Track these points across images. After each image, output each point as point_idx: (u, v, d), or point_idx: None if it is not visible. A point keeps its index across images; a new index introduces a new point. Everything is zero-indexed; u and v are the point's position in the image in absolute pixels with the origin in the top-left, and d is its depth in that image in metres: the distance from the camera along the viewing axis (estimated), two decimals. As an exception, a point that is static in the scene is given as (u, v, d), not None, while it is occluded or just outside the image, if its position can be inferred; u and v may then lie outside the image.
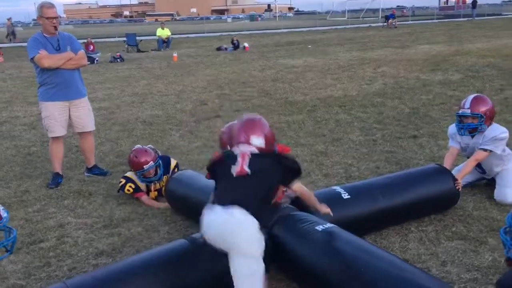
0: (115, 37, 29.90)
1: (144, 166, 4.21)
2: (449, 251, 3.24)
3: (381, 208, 3.43)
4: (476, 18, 40.44)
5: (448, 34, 23.74)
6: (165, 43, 22.03)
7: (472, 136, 3.99)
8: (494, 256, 3.15)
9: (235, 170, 2.65)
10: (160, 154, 4.96)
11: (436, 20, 38.53)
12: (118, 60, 16.84)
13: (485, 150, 3.91)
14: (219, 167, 2.80)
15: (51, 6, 4.65)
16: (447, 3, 68.22)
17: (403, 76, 10.84)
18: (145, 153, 4.28)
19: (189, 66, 14.73)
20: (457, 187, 3.77)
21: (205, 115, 7.78)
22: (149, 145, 5.64)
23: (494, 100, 4.06)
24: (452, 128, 4.19)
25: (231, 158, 2.71)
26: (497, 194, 4.02)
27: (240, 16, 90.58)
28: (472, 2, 43.39)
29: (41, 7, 4.61)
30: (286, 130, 6.63)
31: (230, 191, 2.63)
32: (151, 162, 4.23)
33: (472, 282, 2.89)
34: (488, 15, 45.45)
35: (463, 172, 3.98)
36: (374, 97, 8.60)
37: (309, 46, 20.08)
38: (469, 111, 3.90)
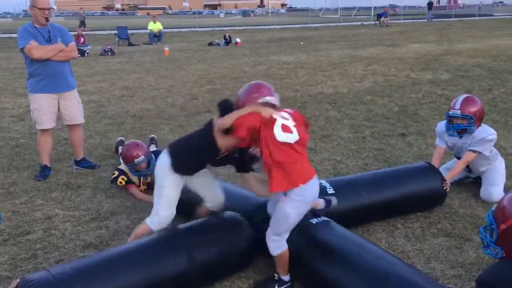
0: (106, 30, 29.68)
1: (135, 160, 4.24)
2: (434, 248, 3.28)
3: (365, 204, 3.47)
4: (434, 20, 39.33)
5: (438, 33, 23.88)
6: (156, 37, 21.90)
7: (461, 137, 4.02)
8: (478, 253, 3.20)
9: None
10: (157, 148, 4.98)
11: (433, 20, 38.72)
12: (109, 53, 16.72)
13: (474, 151, 3.95)
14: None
15: None
16: (438, 3, 68.59)
17: (394, 75, 10.91)
18: (136, 147, 4.32)
19: (180, 61, 14.68)
20: (444, 187, 3.81)
21: (196, 110, 7.76)
22: (152, 135, 5.68)
23: (483, 99, 4.10)
24: (441, 126, 4.21)
25: None
26: (483, 192, 4.07)
27: (233, 11, 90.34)
28: (428, 3, 42.29)
29: None
30: (276, 126, 6.63)
31: None
32: (142, 156, 4.26)
33: (456, 278, 2.94)
34: (480, 15, 45.79)
35: (452, 173, 4.02)
36: (364, 95, 8.65)
37: (301, 43, 20.10)
38: (459, 112, 3.91)
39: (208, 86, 9.98)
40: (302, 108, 7.74)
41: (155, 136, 5.63)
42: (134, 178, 4.35)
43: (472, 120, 3.90)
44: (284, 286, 2.78)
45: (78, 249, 3.38)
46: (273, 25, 36.84)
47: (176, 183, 2.90)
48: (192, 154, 2.86)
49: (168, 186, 2.88)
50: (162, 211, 2.91)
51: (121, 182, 4.34)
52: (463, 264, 3.09)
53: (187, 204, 3.19)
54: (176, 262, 2.72)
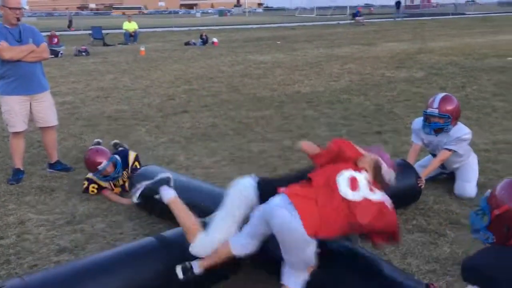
0: (81, 30, 29.21)
1: (98, 167, 4.16)
2: (410, 244, 3.33)
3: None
4: (403, 19, 38.93)
5: (412, 32, 24.23)
6: (132, 36, 21.66)
7: (437, 134, 4.06)
8: (452, 248, 3.26)
9: None
10: (126, 148, 4.91)
11: (401, 19, 39.21)
12: (83, 53, 16.46)
13: (449, 150, 4.01)
14: None
15: None
16: (412, 2, 69.62)
17: (369, 73, 11.03)
18: (96, 153, 4.24)
19: (156, 61, 14.55)
20: (419, 184, 3.86)
21: (173, 110, 7.71)
22: (115, 140, 5.59)
23: (456, 97, 4.16)
24: (417, 123, 4.24)
25: None
26: (457, 188, 4.15)
27: (209, 11, 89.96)
28: (396, 2, 41.85)
29: None
30: (254, 126, 6.65)
31: None
32: (105, 161, 4.18)
33: (431, 273, 2.98)
34: (453, 14, 46.64)
35: (427, 171, 4.08)
36: (341, 94, 8.72)
37: (278, 42, 20.15)
38: (437, 111, 3.94)
39: (185, 86, 9.92)
40: (279, 107, 7.76)
41: (118, 142, 5.52)
42: (105, 184, 4.27)
43: (449, 119, 3.94)
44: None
45: (53, 254, 3.31)
46: (250, 24, 36.84)
47: None
48: None
49: None
50: None
51: (93, 191, 4.28)
52: (438, 259, 3.14)
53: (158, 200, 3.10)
54: (158, 270, 2.64)
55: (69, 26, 32.36)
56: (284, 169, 4.89)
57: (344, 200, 2.33)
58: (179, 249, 2.70)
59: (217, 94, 9.03)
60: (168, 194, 2.95)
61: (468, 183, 4.11)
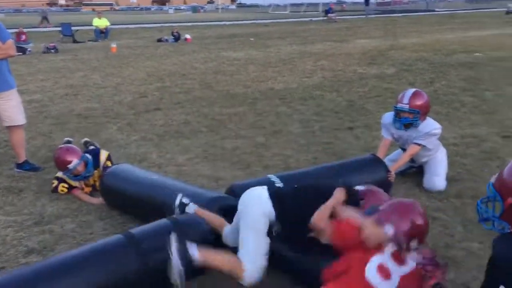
0: (50, 27, 28.56)
1: (69, 166, 4.08)
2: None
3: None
4: (375, 16, 38.70)
5: (384, 29, 24.56)
6: (103, 33, 21.30)
7: (407, 129, 4.12)
8: (422, 241, 3.32)
9: None
10: (97, 147, 4.83)
11: (373, 16, 39.70)
12: (52, 50, 16.10)
13: (418, 144, 4.08)
14: None
15: None
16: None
17: (342, 70, 11.13)
18: (67, 152, 4.16)
19: (128, 58, 14.35)
20: (389, 178, 3.92)
21: (145, 108, 7.62)
22: (85, 139, 5.49)
23: (425, 92, 4.24)
24: (387, 118, 4.30)
25: None
26: (426, 182, 4.23)
27: (182, 7, 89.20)
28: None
29: None
30: (227, 123, 6.63)
31: None
32: (75, 160, 4.10)
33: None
34: (425, 11, 47.46)
35: (397, 165, 4.14)
36: (314, 90, 8.77)
37: (251, 39, 20.14)
38: (407, 106, 4.01)
39: (157, 84, 9.81)
40: (252, 104, 7.76)
41: (89, 140, 5.42)
42: (75, 183, 4.19)
43: (418, 114, 4.02)
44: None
45: (21, 255, 3.23)
46: (223, 21, 36.71)
47: None
48: None
49: None
50: None
51: (62, 190, 4.19)
52: (408, 251, 3.19)
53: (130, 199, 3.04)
54: (127, 268, 2.60)
55: (42, 22, 31.85)
56: (258, 165, 4.90)
57: None
58: (147, 246, 2.67)
59: (190, 91, 8.96)
60: (195, 254, 2.55)
61: (437, 177, 4.19)
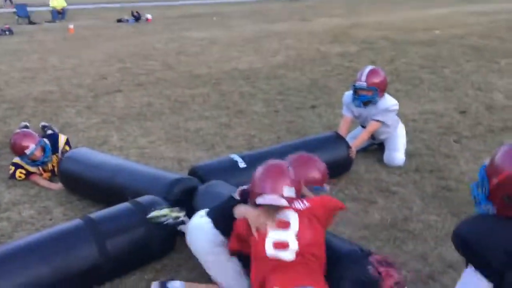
0: (3, 8, 27.34)
1: (26, 151, 3.97)
2: (342, 212, 3.42)
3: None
4: None
5: (346, 8, 24.67)
6: (60, 14, 20.54)
7: (366, 107, 4.19)
8: (382, 215, 3.41)
9: None
10: (54, 131, 4.71)
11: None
12: (7, 32, 15.42)
13: (377, 121, 4.15)
14: None
15: None
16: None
17: (305, 48, 11.14)
18: (23, 137, 4.05)
19: (87, 39, 13.91)
20: (350, 155, 3.99)
21: (105, 90, 7.43)
22: (42, 123, 5.33)
23: (385, 70, 4.31)
24: (347, 97, 4.37)
25: None
26: (386, 157, 4.32)
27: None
28: None
29: None
30: (191, 104, 6.55)
31: None
32: (33, 145, 3.99)
33: (362, 239, 3.10)
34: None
35: (357, 142, 4.22)
36: (277, 69, 8.76)
37: (214, 18, 19.86)
38: (365, 84, 4.08)
39: (118, 65, 9.57)
40: (216, 84, 7.69)
41: (46, 124, 5.28)
42: (33, 169, 4.08)
43: (376, 92, 4.09)
44: None
45: (-24, 245, 3.13)
46: (185, 0, 36.00)
47: None
48: None
49: None
50: None
51: (20, 176, 4.07)
52: (369, 226, 3.27)
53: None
54: (86, 252, 2.58)
55: (5, 2, 30.37)
56: (221, 146, 4.88)
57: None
58: (106, 229, 2.65)
59: (152, 72, 8.79)
60: None
61: (396, 152, 4.29)
